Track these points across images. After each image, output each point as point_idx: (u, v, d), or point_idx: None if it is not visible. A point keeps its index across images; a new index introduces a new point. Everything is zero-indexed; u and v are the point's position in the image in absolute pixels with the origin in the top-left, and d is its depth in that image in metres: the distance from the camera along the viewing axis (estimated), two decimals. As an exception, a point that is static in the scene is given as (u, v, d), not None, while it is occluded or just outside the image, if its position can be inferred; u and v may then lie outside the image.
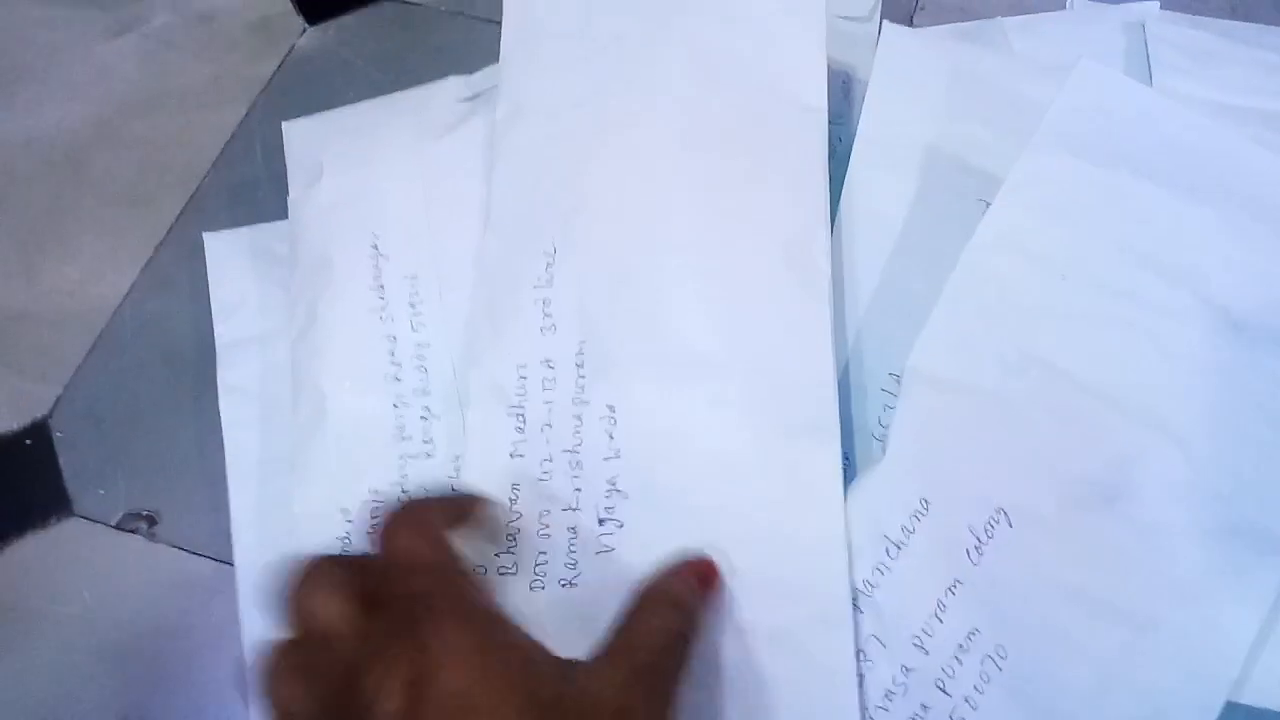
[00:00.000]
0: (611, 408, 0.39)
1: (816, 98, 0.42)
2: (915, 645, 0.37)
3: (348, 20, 0.61)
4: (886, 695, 0.37)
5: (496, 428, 0.40)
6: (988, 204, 0.43)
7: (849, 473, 0.41)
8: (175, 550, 0.45)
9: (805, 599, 0.37)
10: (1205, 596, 0.36)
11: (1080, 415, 0.37)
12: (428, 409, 0.42)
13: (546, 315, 0.41)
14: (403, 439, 0.41)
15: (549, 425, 0.40)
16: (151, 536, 0.46)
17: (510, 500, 0.39)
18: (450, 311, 0.43)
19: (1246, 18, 0.60)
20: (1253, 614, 0.35)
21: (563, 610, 0.37)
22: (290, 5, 0.62)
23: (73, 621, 0.44)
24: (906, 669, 0.37)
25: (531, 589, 0.37)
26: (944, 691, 0.36)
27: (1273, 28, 0.57)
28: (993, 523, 0.37)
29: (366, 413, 0.42)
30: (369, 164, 0.46)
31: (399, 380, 0.42)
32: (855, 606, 0.38)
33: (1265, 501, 0.36)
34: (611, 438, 0.39)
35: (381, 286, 0.44)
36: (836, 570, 0.37)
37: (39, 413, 0.49)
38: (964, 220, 0.41)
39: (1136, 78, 0.51)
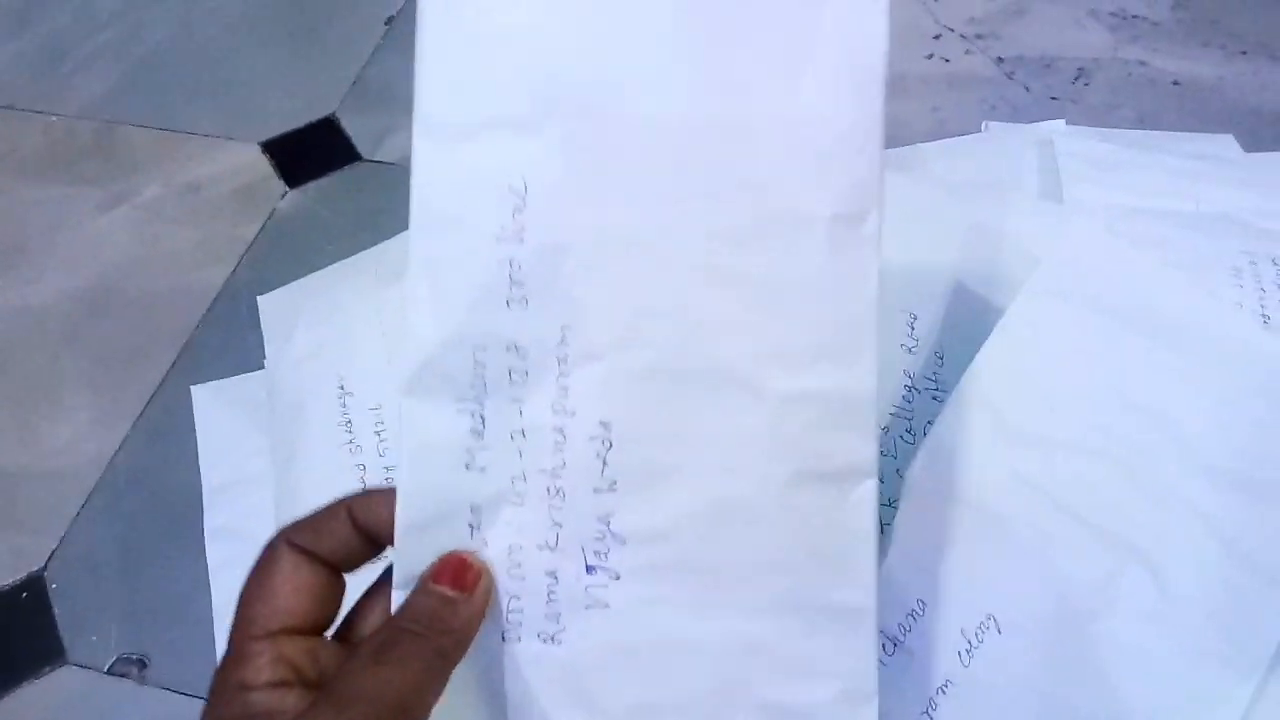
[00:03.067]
0: (605, 425, 0.30)
1: None
2: None
3: (325, 182, 0.66)
4: None
5: (446, 427, 0.30)
6: (915, 315, 0.48)
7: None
8: (165, 692, 0.46)
9: (832, 677, 0.31)
10: (1176, 716, 0.37)
11: (1064, 537, 0.40)
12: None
13: (516, 283, 0.30)
14: (379, 559, 0.44)
15: (520, 433, 0.30)
16: (142, 680, 0.46)
17: (471, 526, 0.30)
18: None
19: (1154, 127, 0.66)
20: None
21: (546, 672, 0.31)
22: (272, 170, 0.66)
23: (67, 769, 0.45)
24: None
25: (505, 639, 0.30)
26: None
27: (1177, 134, 0.62)
28: (983, 628, 0.39)
29: (343, 542, 0.44)
30: (333, 317, 0.50)
31: (371, 504, 0.45)
32: None
33: (1233, 633, 0.38)
34: (605, 464, 0.30)
35: (349, 421, 0.46)
36: (866, 644, 0.31)
37: (34, 566, 0.50)
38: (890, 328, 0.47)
39: (1049, 190, 0.55)
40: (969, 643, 0.39)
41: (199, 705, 0.45)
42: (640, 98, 0.30)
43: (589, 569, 0.30)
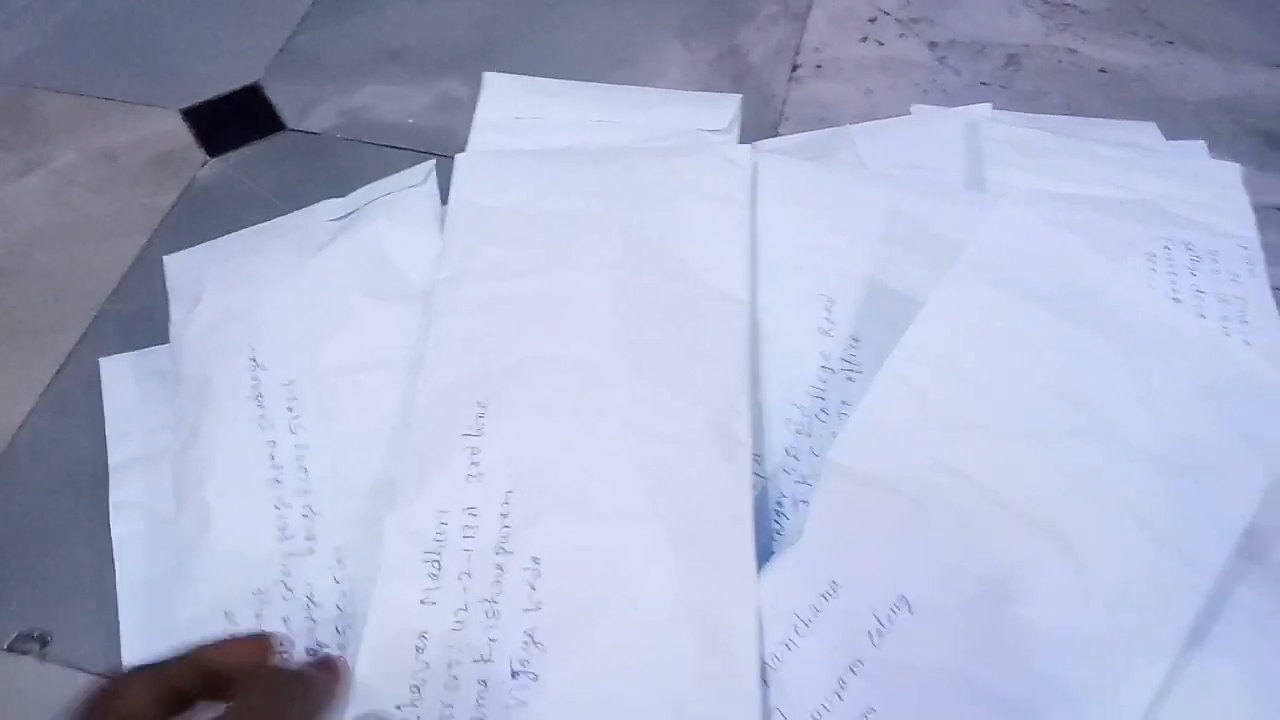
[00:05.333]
0: (536, 559, 0.40)
1: (741, 290, 0.47)
2: None
3: (248, 151, 0.64)
4: None
5: (409, 573, 0.40)
6: (832, 300, 0.49)
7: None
8: (66, 669, 0.44)
9: None
10: (1086, 698, 0.38)
11: (983, 520, 0.40)
12: (309, 507, 0.42)
13: (474, 464, 0.42)
14: (285, 539, 0.42)
15: (467, 574, 0.40)
16: (43, 657, 0.45)
17: (418, 649, 0.38)
18: (327, 413, 0.45)
19: (1081, 113, 0.66)
20: (1132, 712, 0.37)
21: None
22: (192, 139, 0.64)
23: (-38, 749, 0.43)
24: None
25: None
26: None
27: (1101, 121, 0.63)
28: (895, 609, 0.39)
29: (249, 517, 0.42)
30: (245, 285, 0.49)
31: (279, 482, 0.43)
32: (762, 681, 0.38)
33: (1148, 614, 0.39)
34: (533, 589, 0.40)
35: (260, 396, 0.45)
36: None
37: (-67, 542, 0.50)
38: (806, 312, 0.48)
39: (974, 175, 0.56)
40: (880, 623, 0.39)
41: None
42: None
43: (514, 674, 0.38)
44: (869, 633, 0.39)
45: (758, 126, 0.63)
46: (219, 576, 0.42)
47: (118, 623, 0.45)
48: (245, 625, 0.41)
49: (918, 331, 0.43)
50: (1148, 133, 0.61)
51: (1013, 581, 0.39)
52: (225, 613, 0.41)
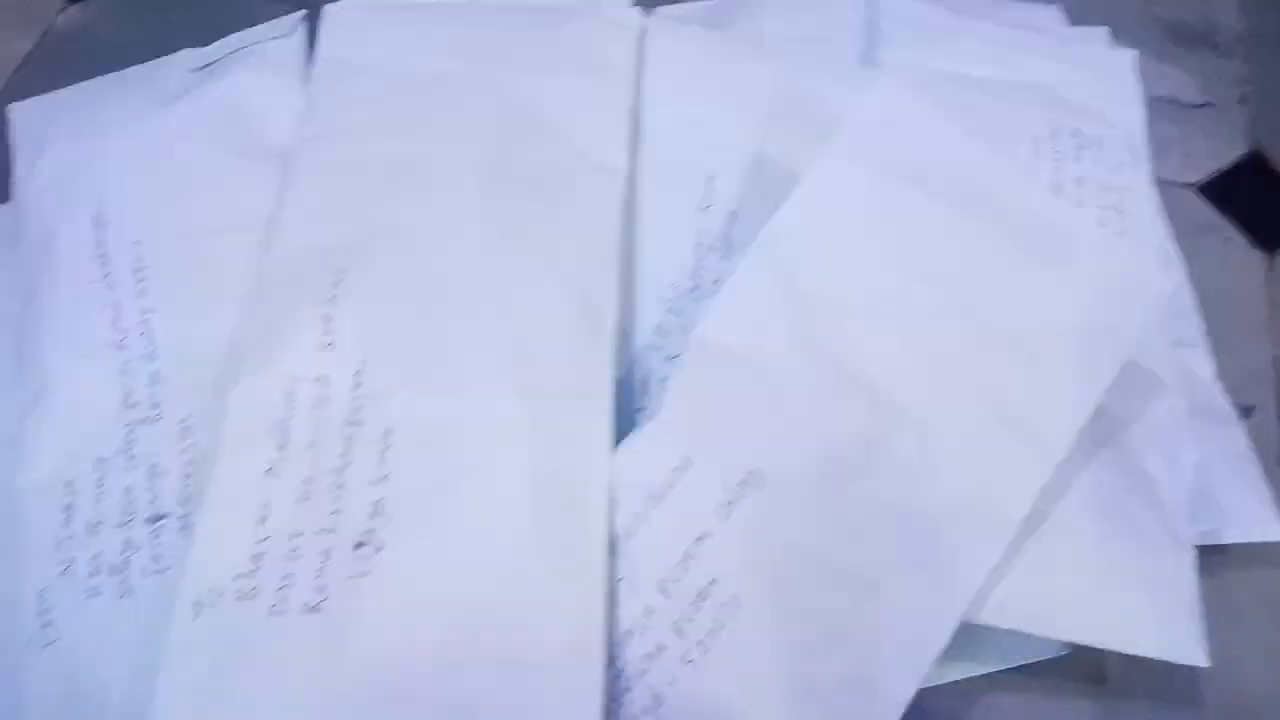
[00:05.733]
0: (388, 432, 0.39)
1: (618, 161, 0.46)
2: (659, 589, 0.39)
3: None
4: (627, 633, 0.38)
5: (254, 444, 0.39)
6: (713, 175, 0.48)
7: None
8: None
9: (561, 629, 0.37)
10: (925, 570, 0.39)
11: (838, 397, 0.41)
12: (155, 374, 0.41)
13: (327, 333, 0.41)
14: (129, 406, 0.40)
15: (315, 445, 0.39)
16: None
17: (260, 519, 0.38)
18: (177, 276, 0.43)
19: None
20: (964, 588, 0.39)
21: (303, 639, 0.36)
22: None
23: None
24: (649, 610, 0.39)
25: (271, 613, 0.36)
26: (680, 635, 0.38)
27: (1004, 1, 0.61)
28: (745, 484, 0.40)
29: (90, 382, 0.41)
30: (93, 136, 0.46)
31: (124, 347, 0.41)
32: (611, 551, 0.39)
33: (988, 492, 0.40)
34: (383, 460, 0.39)
35: (104, 255, 0.43)
36: (595, 595, 0.38)
37: None
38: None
39: (870, 52, 0.55)
40: (730, 498, 0.40)
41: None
42: None
43: (357, 545, 0.37)
44: (718, 506, 0.39)
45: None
46: (59, 444, 0.40)
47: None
48: (86, 494, 0.40)
49: (788, 210, 0.43)
50: (1050, 15, 0.61)
51: (861, 457, 0.40)
52: (65, 482, 0.40)
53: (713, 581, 0.39)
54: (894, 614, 0.39)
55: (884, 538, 0.39)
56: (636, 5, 0.55)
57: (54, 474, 0.40)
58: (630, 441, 0.41)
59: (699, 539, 0.39)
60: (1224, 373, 0.51)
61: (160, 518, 0.39)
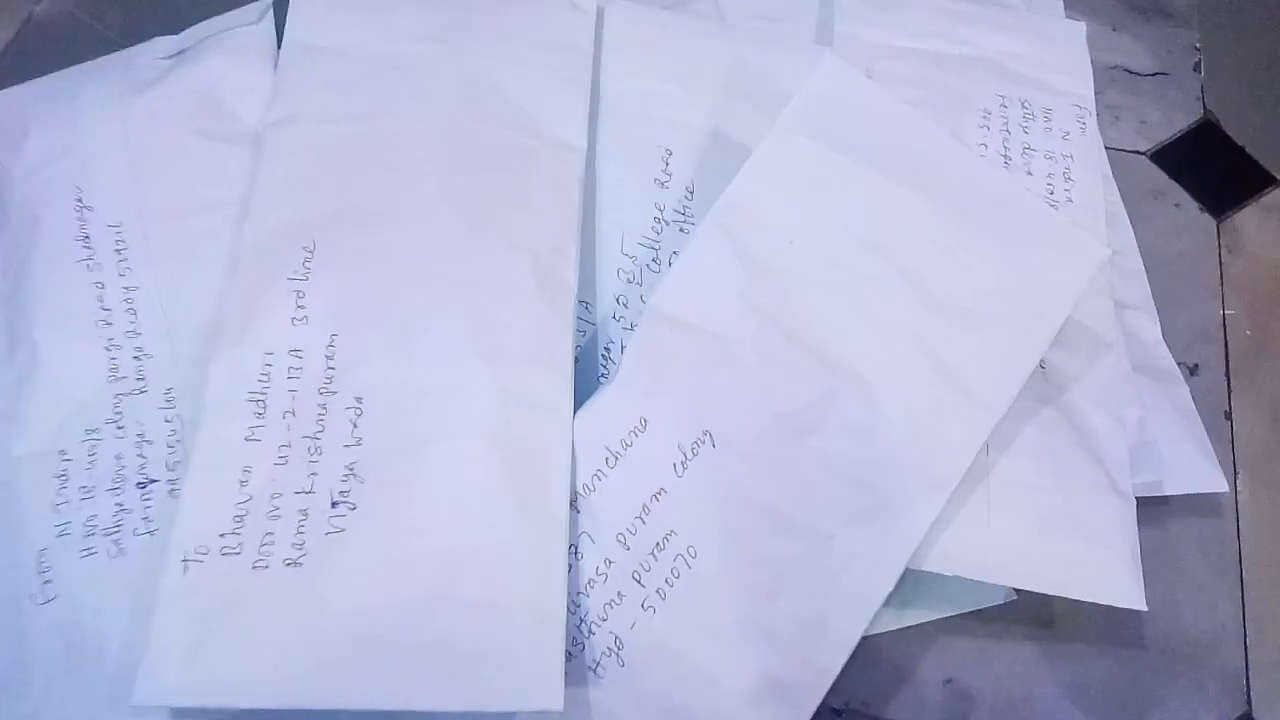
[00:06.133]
0: (359, 399, 0.42)
1: (577, 138, 0.48)
2: (619, 541, 0.41)
3: None
4: (589, 583, 0.41)
5: (234, 412, 0.41)
6: (670, 150, 0.50)
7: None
8: None
9: (525, 581, 0.39)
10: (872, 522, 0.42)
11: (787, 361, 0.43)
12: (140, 349, 0.44)
13: (300, 307, 0.43)
14: (117, 379, 0.43)
15: (291, 413, 0.41)
16: None
17: (241, 482, 0.40)
18: (157, 255, 0.45)
19: None
20: (909, 538, 0.42)
21: (285, 592, 0.38)
22: None
23: None
24: (609, 561, 0.41)
25: (254, 568, 0.39)
26: (639, 583, 0.41)
27: None
28: (699, 443, 0.42)
29: (79, 358, 0.43)
30: (72, 122, 0.48)
31: (110, 324, 0.44)
32: (573, 507, 0.42)
33: (932, 448, 0.42)
34: (355, 426, 0.41)
35: (87, 237, 0.45)
36: (557, 555, 0.40)
37: None
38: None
39: (826, 28, 0.57)
40: (685, 456, 0.42)
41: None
42: None
43: (334, 504, 0.40)
44: (674, 464, 0.42)
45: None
46: (52, 416, 0.43)
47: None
48: (79, 462, 0.42)
49: (739, 184, 0.45)
50: (1006, -14, 0.62)
51: (810, 417, 0.42)
52: (59, 451, 0.42)
53: (669, 534, 0.41)
54: (843, 562, 0.41)
55: (832, 491, 0.42)
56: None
57: (48, 443, 0.43)
58: (590, 405, 0.43)
59: (656, 495, 0.42)
60: (1174, 333, 0.53)
61: (149, 482, 0.42)
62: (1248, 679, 0.46)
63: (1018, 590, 0.45)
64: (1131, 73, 0.64)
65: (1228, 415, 0.52)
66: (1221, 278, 0.57)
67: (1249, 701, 0.46)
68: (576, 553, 0.42)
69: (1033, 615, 0.46)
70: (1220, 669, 0.46)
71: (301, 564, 0.39)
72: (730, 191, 0.45)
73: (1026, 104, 0.54)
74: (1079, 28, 0.59)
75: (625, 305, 0.47)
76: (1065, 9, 0.63)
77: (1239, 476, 0.51)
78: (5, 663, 0.40)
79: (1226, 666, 0.46)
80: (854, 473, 0.42)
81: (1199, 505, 0.49)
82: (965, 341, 0.44)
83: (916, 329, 0.44)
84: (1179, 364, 0.53)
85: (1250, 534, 0.50)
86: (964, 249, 0.45)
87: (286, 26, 0.51)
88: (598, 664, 0.40)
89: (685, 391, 0.43)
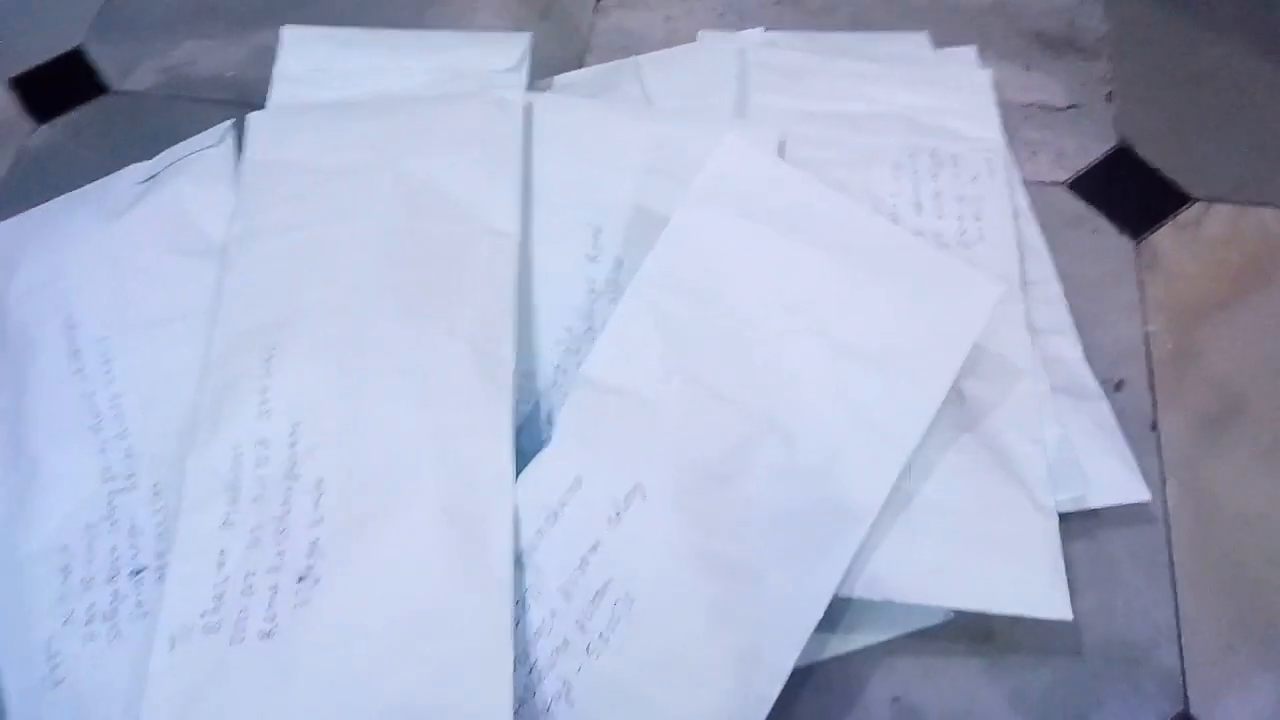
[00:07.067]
0: (320, 481, 0.46)
1: (509, 225, 0.53)
2: (561, 593, 0.45)
3: (75, 115, 0.67)
4: (536, 633, 0.45)
5: (209, 503, 0.46)
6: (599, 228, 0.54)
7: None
8: None
9: (467, 681, 0.43)
10: (799, 556, 0.45)
11: (707, 414, 0.48)
12: (128, 450, 0.48)
13: (264, 403, 0.48)
14: (109, 478, 0.48)
15: (261, 498, 0.46)
16: None
17: (219, 564, 0.45)
18: (139, 363, 0.51)
19: (866, 26, 0.69)
20: (834, 569, 0.45)
21: (260, 662, 0.42)
22: (19, 107, 0.68)
23: None
24: (554, 612, 0.45)
25: (231, 643, 0.43)
26: (582, 630, 0.44)
27: (877, 34, 0.67)
28: (631, 496, 0.46)
29: (75, 462, 0.48)
30: (58, 251, 0.54)
31: (100, 429, 0.49)
32: (519, 565, 0.46)
33: (848, 484, 0.46)
34: (317, 506, 0.46)
35: (77, 351, 0.51)
36: (502, 624, 0.43)
37: None
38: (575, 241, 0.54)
39: (744, 101, 0.61)
40: (618, 510, 0.46)
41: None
42: None
43: (300, 579, 0.44)
44: (608, 518, 0.46)
45: (564, 59, 0.68)
46: (52, 516, 0.48)
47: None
48: (79, 556, 0.47)
49: (656, 255, 0.50)
50: (918, 43, 0.66)
51: (732, 463, 0.46)
52: (61, 547, 0.47)
53: (608, 582, 0.45)
54: (773, 596, 0.45)
55: (758, 531, 0.46)
56: (534, 77, 0.61)
57: (51, 541, 0.48)
58: (530, 469, 0.48)
59: (593, 547, 0.46)
60: (1098, 352, 0.56)
61: (141, 570, 0.46)
62: (1184, 677, 0.48)
63: (954, 609, 0.47)
64: (1046, 108, 0.67)
65: (1154, 426, 0.55)
66: (1142, 296, 0.59)
67: (1185, 699, 0.48)
68: (525, 606, 0.45)
69: (973, 631, 0.48)
70: (1157, 669, 0.48)
71: (273, 636, 0.43)
72: (648, 263, 0.50)
73: (935, 153, 0.58)
74: (985, 75, 0.63)
75: (565, 373, 0.51)
76: (979, 55, 0.66)
77: (1167, 484, 0.53)
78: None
79: (1163, 666, 0.48)
80: (777, 512, 0.46)
81: (1129, 515, 0.52)
82: (873, 383, 0.47)
83: (828, 375, 0.48)
84: (1104, 381, 0.55)
85: (1180, 539, 0.52)
86: (867, 299, 0.49)
87: (244, 146, 0.57)
88: (549, 708, 0.44)
89: (615, 449, 0.47)
